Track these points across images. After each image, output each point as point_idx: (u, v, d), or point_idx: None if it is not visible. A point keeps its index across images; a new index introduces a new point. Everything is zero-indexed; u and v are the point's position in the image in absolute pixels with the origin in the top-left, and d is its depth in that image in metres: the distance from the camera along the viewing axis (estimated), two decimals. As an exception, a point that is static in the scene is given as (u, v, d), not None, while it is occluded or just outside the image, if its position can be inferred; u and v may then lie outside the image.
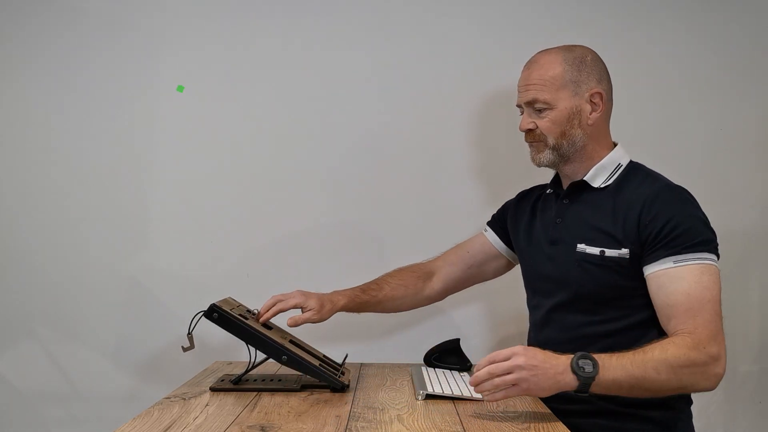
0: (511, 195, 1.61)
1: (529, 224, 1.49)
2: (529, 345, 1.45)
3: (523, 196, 1.57)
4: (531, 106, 1.36)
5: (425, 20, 1.85)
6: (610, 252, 1.30)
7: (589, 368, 1.12)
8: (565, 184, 1.43)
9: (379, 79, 1.85)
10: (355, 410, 1.21)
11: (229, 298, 1.49)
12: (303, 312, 1.45)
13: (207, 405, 1.24)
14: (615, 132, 1.43)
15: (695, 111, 1.85)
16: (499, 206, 1.62)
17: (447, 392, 1.30)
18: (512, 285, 1.72)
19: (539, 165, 1.40)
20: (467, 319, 1.86)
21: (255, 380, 1.40)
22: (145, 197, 1.85)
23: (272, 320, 1.46)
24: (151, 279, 1.85)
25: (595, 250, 1.31)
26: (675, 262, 1.23)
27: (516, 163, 1.70)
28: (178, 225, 1.84)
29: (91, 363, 1.85)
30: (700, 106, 1.85)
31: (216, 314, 1.33)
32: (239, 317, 1.35)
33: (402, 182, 1.85)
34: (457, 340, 1.56)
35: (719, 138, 1.85)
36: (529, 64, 1.38)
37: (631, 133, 1.82)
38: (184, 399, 1.28)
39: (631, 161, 1.41)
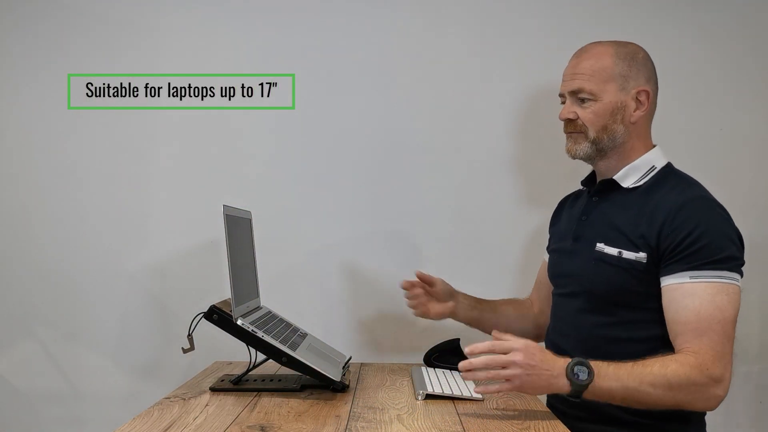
0: (547, 193, 1.64)
1: (560, 223, 1.50)
2: (546, 340, 1.44)
3: (562, 203, 1.56)
4: (575, 95, 1.33)
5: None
6: (627, 254, 1.27)
7: (583, 375, 1.12)
8: (598, 182, 1.40)
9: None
10: (355, 410, 1.21)
11: (229, 299, 1.49)
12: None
13: (207, 405, 1.24)
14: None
15: (695, 111, 1.85)
16: (540, 208, 1.66)
17: (447, 392, 1.29)
18: (513, 285, 1.72)
19: (574, 157, 1.36)
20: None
21: (255, 380, 1.40)
22: (145, 197, 1.85)
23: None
24: (151, 279, 1.85)
25: (613, 251, 1.29)
26: (691, 277, 1.20)
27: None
28: (178, 225, 1.84)
29: (91, 363, 1.84)
30: (699, 106, 1.85)
31: (216, 315, 1.33)
32: (239, 318, 1.35)
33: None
34: (457, 340, 1.56)
35: (719, 138, 1.85)
36: (579, 53, 1.35)
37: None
38: (184, 399, 1.28)
39: (668, 164, 1.36)
